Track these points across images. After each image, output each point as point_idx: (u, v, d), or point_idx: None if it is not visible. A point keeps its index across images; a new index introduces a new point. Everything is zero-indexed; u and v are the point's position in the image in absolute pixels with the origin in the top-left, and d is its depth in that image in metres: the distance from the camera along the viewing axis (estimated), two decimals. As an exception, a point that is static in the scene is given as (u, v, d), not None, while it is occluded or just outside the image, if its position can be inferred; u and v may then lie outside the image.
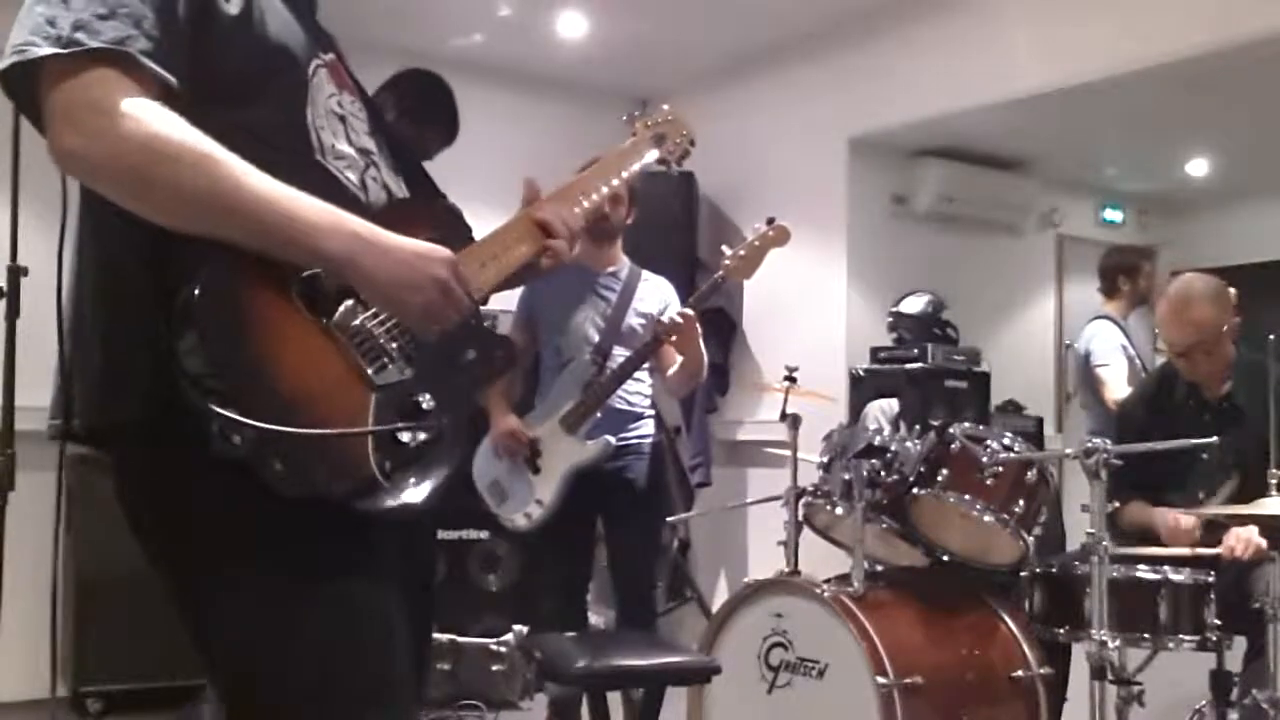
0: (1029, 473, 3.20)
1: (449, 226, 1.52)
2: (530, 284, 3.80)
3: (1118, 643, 2.82)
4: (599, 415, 3.63)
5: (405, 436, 1.34)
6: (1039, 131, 5.27)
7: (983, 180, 5.59)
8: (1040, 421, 5.31)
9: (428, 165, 3.37)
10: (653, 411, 3.87)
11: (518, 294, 3.87)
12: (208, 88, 1.31)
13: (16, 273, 2.55)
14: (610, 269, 3.81)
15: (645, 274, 3.85)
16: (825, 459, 3.41)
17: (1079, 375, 5.20)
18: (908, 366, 4.77)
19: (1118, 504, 3.25)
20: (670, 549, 5.33)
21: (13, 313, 2.52)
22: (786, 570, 3.41)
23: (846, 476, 3.26)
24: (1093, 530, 2.80)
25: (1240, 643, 3.06)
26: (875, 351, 4.96)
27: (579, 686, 3.23)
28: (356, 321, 1.35)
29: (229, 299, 1.27)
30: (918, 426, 3.39)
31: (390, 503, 1.33)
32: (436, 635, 4.33)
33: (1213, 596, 2.97)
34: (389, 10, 4.97)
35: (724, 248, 3.65)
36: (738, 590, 3.49)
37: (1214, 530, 3.16)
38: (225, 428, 1.21)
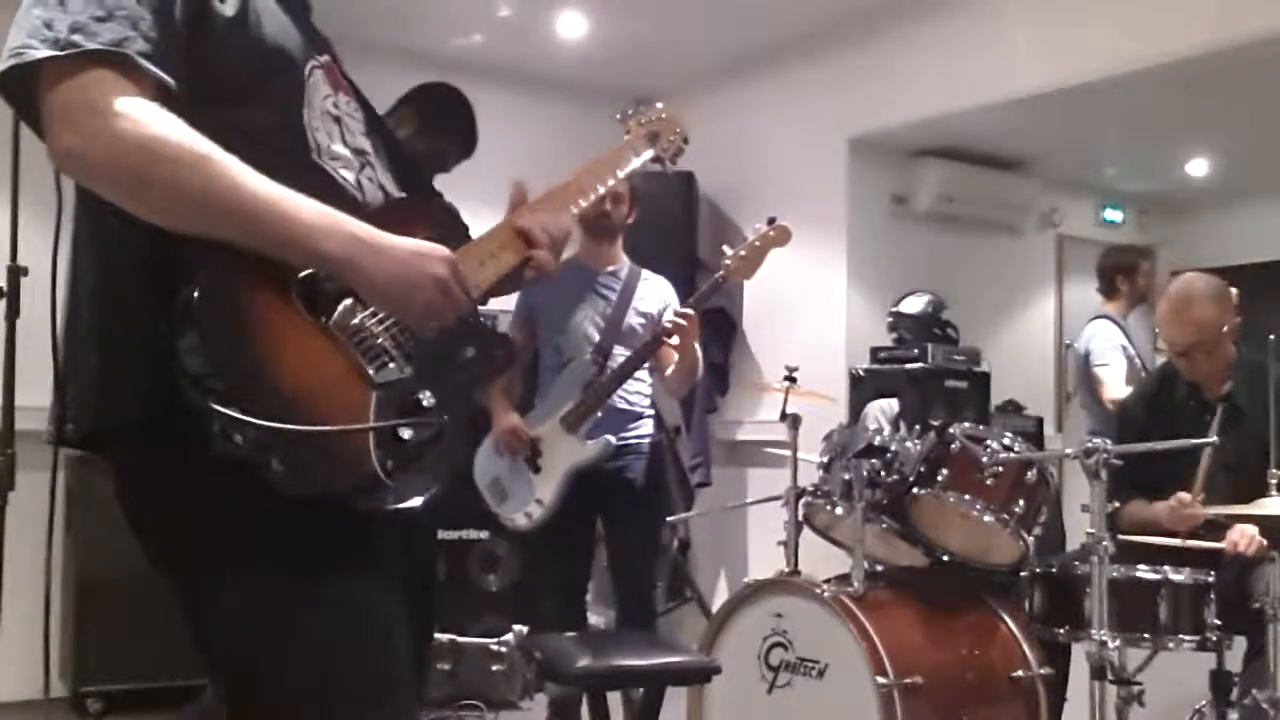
0: (1029, 473, 3.20)
1: (446, 225, 1.53)
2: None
3: (1118, 643, 2.81)
4: (599, 415, 3.63)
5: (406, 434, 1.34)
6: (1039, 131, 5.27)
7: (983, 180, 5.59)
8: (1040, 421, 5.31)
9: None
10: (653, 411, 3.88)
11: (516, 292, 3.87)
12: (205, 89, 1.31)
13: (16, 273, 2.55)
14: (610, 268, 3.81)
15: (645, 273, 3.86)
16: (825, 459, 3.41)
17: (1078, 375, 5.20)
18: (908, 366, 4.77)
19: (1118, 504, 3.25)
20: (670, 549, 5.33)
21: (13, 313, 2.52)
22: (786, 570, 3.41)
23: (846, 476, 3.26)
24: (1093, 530, 2.80)
25: (1240, 643, 3.06)
26: (875, 351, 4.96)
27: (579, 686, 3.23)
28: (355, 320, 1.35)
29: (229, 299, 1.27)
30: (918, 426, 3.39)
31: (392, 501, 1.33)
32: (436, 635, 4.33)
33: (1213, 596, 2.97)
34: (389, 10, 4.97)
35: (725, 247, 3.65)
36: (738, 590, 3.49)
37: (1214, 530, 3.16)
38: (227, 427, 1.21)
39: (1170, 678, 3.12)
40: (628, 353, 3.66)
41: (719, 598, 5.40)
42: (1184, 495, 3.21)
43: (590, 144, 1.88)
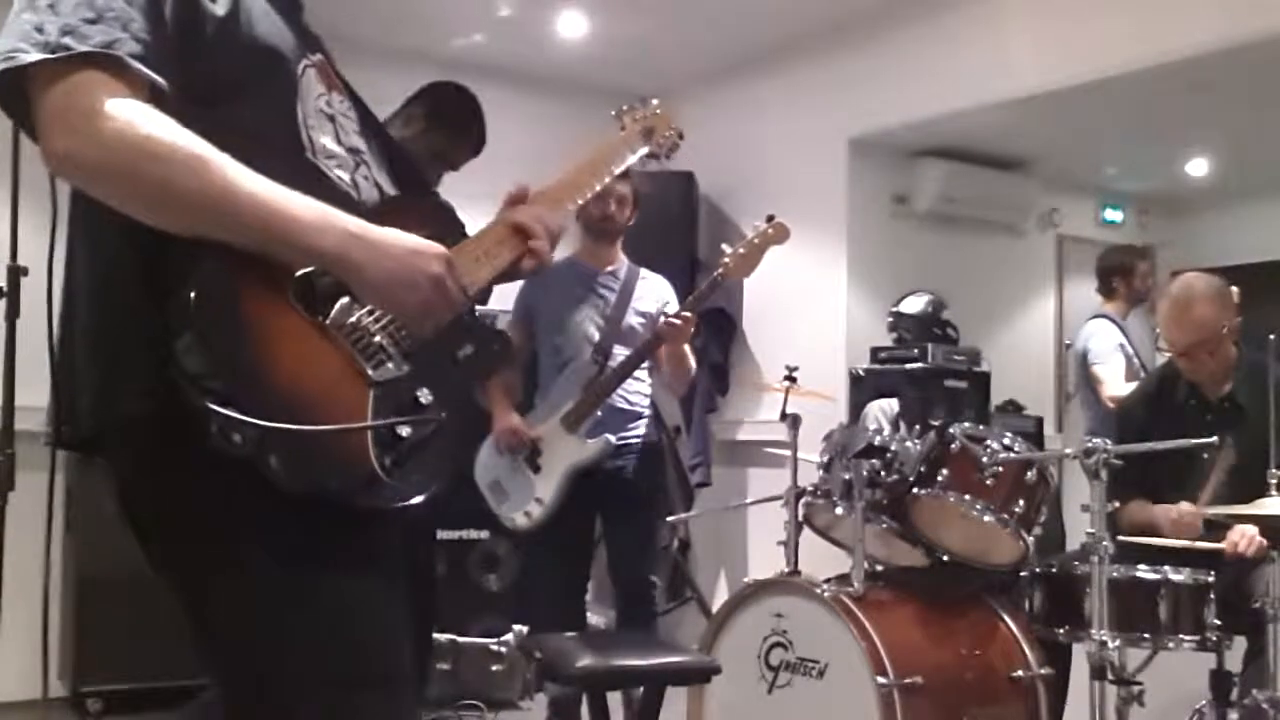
0: (1029, 473, 3.20)
1: (441, 223, 1.53)
2: (528, 282, 3.83)
3: (1118, 643, 2.82)
4: (599, 414, 3.63)
5: (405, 432, 1.35)
6: (1039, 131, 5.27)
7: (983, 180, 5.59)
8: (1040, 421, 5.30)
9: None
10: (652, 411, 3.88)
11: (514, 292, 3.88)
12: (197, 89, 1.31)
13: (16, 273, 2.55)
14: (609, 268, 3.81)
15: (643, 272, 3.86)
16: (825, 459, 3.41)
17: (1077, 374, 5.20)
18: (908, 366, 4.77)
19: (1118, 504, 3.25)
20: (670, 549, 5.33)
21: (13, 313, 2.52)
22: (786, 570, 3.41)
23: (846, 476, 3.26)
24: (1093, 530, 2.80)
25: (1240, 643, 3.06)
26: (875, 351, 4.95)
27: (579, 686, 3.23)
28: (352, 319, 1.35)
29: (225, 299, 1.27)
30: (918, 426, 3.38)
31: (391, 498, 1.33)
32: (436, 635, 4.33)
33: (1213, 596, 2.97)
34: (390, 10, 4.97)
35: (724, 245, 3.65)
36: (738, 590, 3.49)
37: (1215, 530, 3.16)
38: (225, 427, 1.21)
39: (1170, 678, 3.12)
40: (628, 352, 3.66)
41: (719, 598, 5.40)
42: (1186, 506, 3.21)
43: (591, 143, 1.88)
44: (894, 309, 5.03)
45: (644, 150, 1.89)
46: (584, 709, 3.15)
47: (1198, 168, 6.19)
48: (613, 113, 1.93)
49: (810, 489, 3.45)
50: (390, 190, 1.54)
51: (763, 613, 3.33)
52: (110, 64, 1.23)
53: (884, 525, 3.32)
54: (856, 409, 4.77)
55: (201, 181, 1.24)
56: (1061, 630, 3.10)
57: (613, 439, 3.64)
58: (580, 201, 1.73)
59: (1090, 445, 2.84)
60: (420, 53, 5.17)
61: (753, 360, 5.59)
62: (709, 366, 5.55)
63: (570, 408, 3.64)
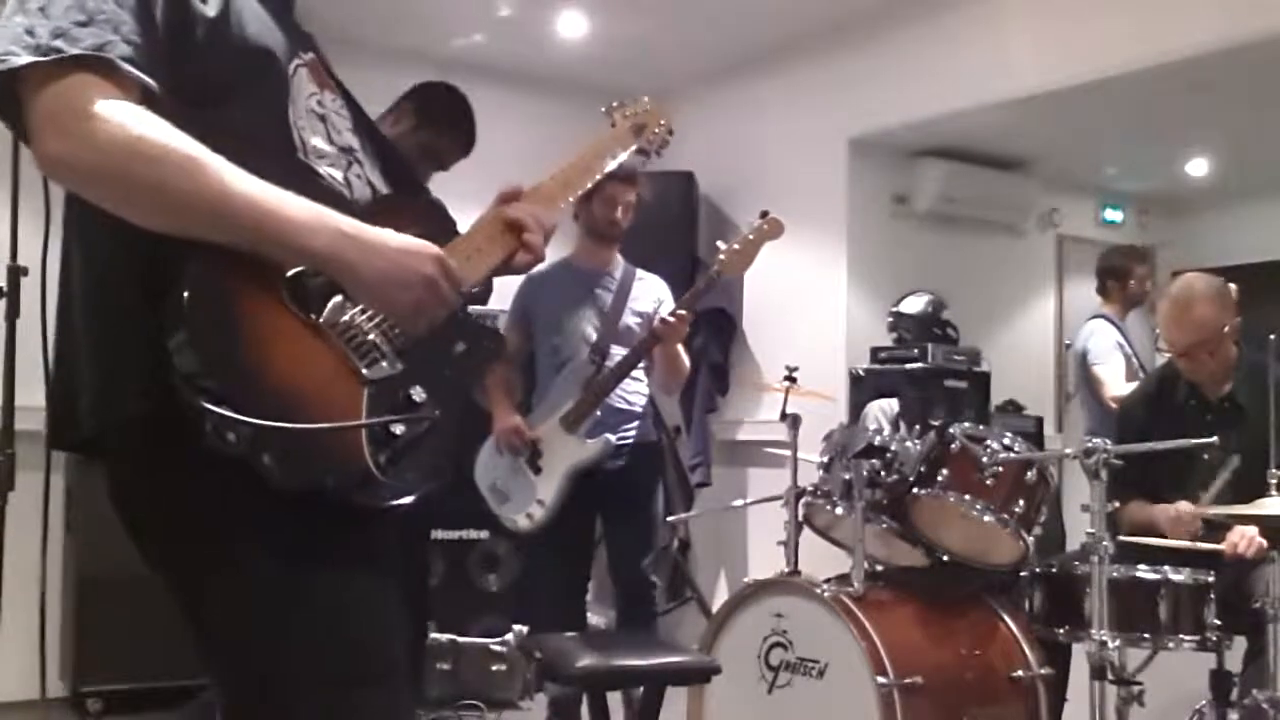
0: (1029, 473, 3.20)
1: (433, 221, 1.53)
2: (525, 284, 3.84)
3: (1118, 643, 2.82)
4: (598, 414, 3.63)
5: (398, 429, 1.35)
6: (1039, 131, 5.27)
7: (983, 180, 5.59)
8: (1040, 421, 5.31)
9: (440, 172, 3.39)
10: (652, 410, 3.87)
11: (512, 293, 3.89)
12: (189, 90, 1.31)
13: (16, 273, 2.55)
14: (606, 269, 3.82)
15: (640, 272, 3.87)
16: (825, 459, 3.41)
17: (1077, 374, 5.20)
18: (908, 366, 4.77)
19: (1117, 504, 3.25)
20: (670, 549, 5.32)
21: (13, 313, 2.52)
22: (786, 570, 3.41)
23: (846, 476, 3.26)
24: (1093, 530, 2.80)
25: (1240, 643, 3.06)
26: (875, 351, 4.95)
27: (579, 686, 3.23)
28: (345, 317, 1.35)
29: (219, 298, 1.27)
30: (918, 426, 3.39)
31: (386, 496, 1.34)
32: (436, 635, 4.33)
33: (1213, 596, 2.97)
34: (389, 10, 4.97)
35: (718, 243, 3.65)
36: (738, 590, 3.49)
37: (1215, 530, 3.16)
38: (219, 425, 1.22)
39: (1170, 678, 3.12)
40: (625, 352, 3.66)
41: (719, 598, 5.40)
42: (1185, 506, 3.21)
43: (585, 142, 1.88)
44: (894, 309, 5.03)
45: (635, 147, 1.88)
46: (584, 709, 3.15)
47: (1198, 168, 6.19)
48: (603, 109, 1.93)
49: (810, 489, 3.45)
50: (383, 189, 1.54)
51: (763, 613, 3.33)
52: (102, 66, 1.23)
53: (884, 525, 3.32)
54: (856, 409, 4.77)
55: (195, 183, 1.24)
56: (1061, 630, 3.10)
57: (612, 439, 3.64)
58: (572, 199, 1.72)
59: (1090, 445, 2.84)
60: (420, 53, 5.17)
61: (753, 360, 5.60)
62: (709, 366, 5.55)
63: (569, 408, 3.64)
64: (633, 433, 3.73)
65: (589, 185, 1.78)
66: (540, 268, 3.83)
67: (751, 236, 3.60)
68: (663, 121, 1.92)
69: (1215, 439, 3.01)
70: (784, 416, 3.62)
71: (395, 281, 1.35)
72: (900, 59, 4.94)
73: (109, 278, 1.33)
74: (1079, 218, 6.39)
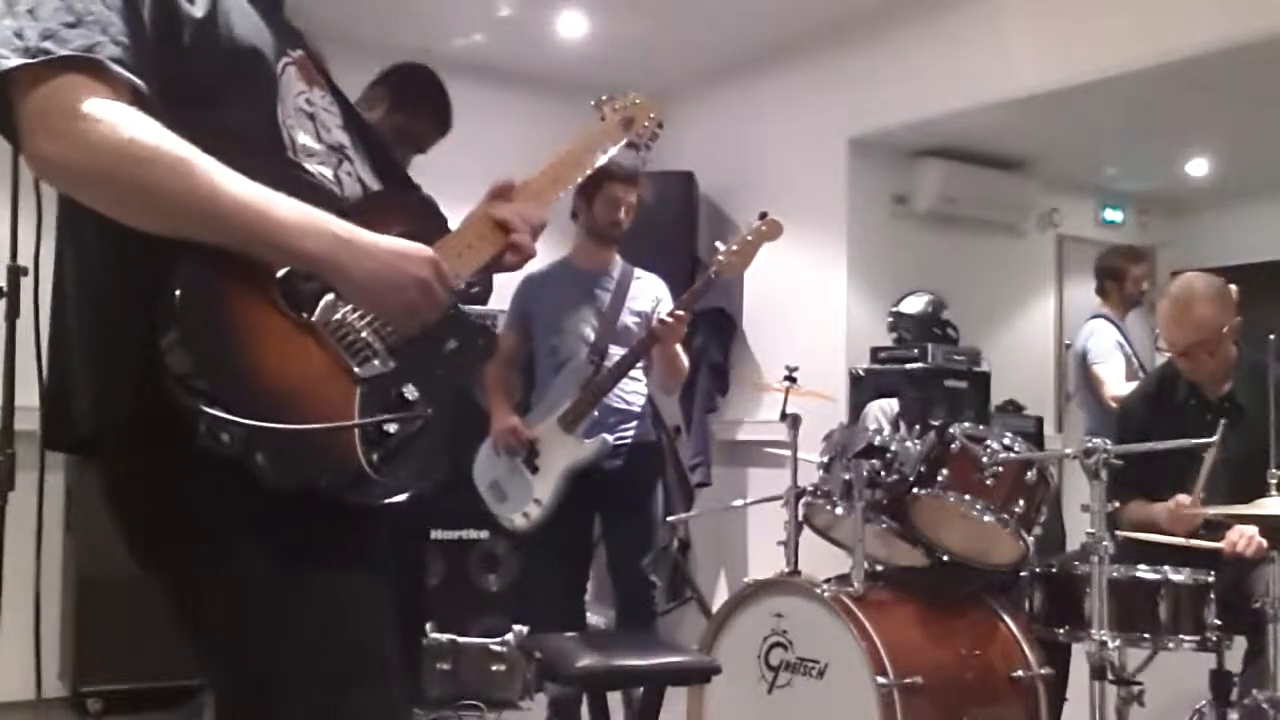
0: (1029, 473, 3.20)
1: (424, 218, 1.53)
2: (524, 285, 3.84)
3: (1118, 643, 2.82)
4: (596, 414, 3.63)
5: (392, 428, 1.35)
6: (1039, 131, 5.27)
7: (983, 180, 5.59)
8: (1040, 421, 5.31)
9: (425, 159, 3.36)
10: (651, 410, 3.87)
11: (511, 294, 3.89)
12: (177, 91, 1.31)
13: (16, 273, 2.55)
14: (604, 269, 3.82)
15: (638, 272, 3.87)
16: (825, 459, 3.41)
17: (1076, 374, 5.20)
18: (908, 366, 4.77)
19: (1117, 504, 3.25)
20: (670, 549, 5.32)
21: (13, 313, 2.52)
22: (786, 570, 3.41)
23: (846, 476, 3.26)
24: (1093, 530, 2.80)
25: (1240, 643, 3.06)
26: (875, 351, 4.96)
27: (579, 686, 3.23)
28: (337, 316, 1.36)
29: (210, 298, 1.27)
30: (918, 426, 3.39)
31: (380, 494, 1.34)
32: (436, 635, 4.33)
33: (1213, 596, 2.97)
34: (389, 10, 4.97)
35: (717, 243, 3.65)
36: (738, 590, 3.49)
37: (1214, 530, 3.16)
38: (212, 426, 1.22)
39: (1170, 678, 3.12)
40: (624, 352, 3.66)
41: (719, 598, 5.40)
42: (1183, 498, 3.20)
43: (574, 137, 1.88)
44: (894, 309, 5.03)
45: (624, 141, 1.88)
46: (584, 709, 3.15)
47: (1198, 168, 6.19)
48: (592, 103, 1.93)
49: (810, 489, 3.45)
50: (374, 185, 1.54)
51: (763, 613, 3.33)
52: (91, 67, 1.23)
53: (884, 525, 3.32)
54: (856, 409, 4.77)
55: (186, 184, 1.24)
56: (1061, 630, 3.10)
57: (610, 439, 3.64)
58: (562, 194, 1.72)
59: (1090, 445, 2.84)
60: (420, 53, 5.12)
61: (753, 360, 5.59)
62: (709, 366, 5.55)
63: (567, 408, 3.64)
64: (631, 432, 3.73)
65: (578, 180, 1.77)
66: (539, 268, 3.87)
67: (750, 237, 3.60)
68: (652, 115, 1.91)
69: (1216, 439, 3.01)
70: (784, 416, 3.62)
71: (388, 284, 1.35)
72: (900, 59, 4.94)
73: (101, 278, 1.33)
74: (1079, 218, 6.39)
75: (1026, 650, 3.22)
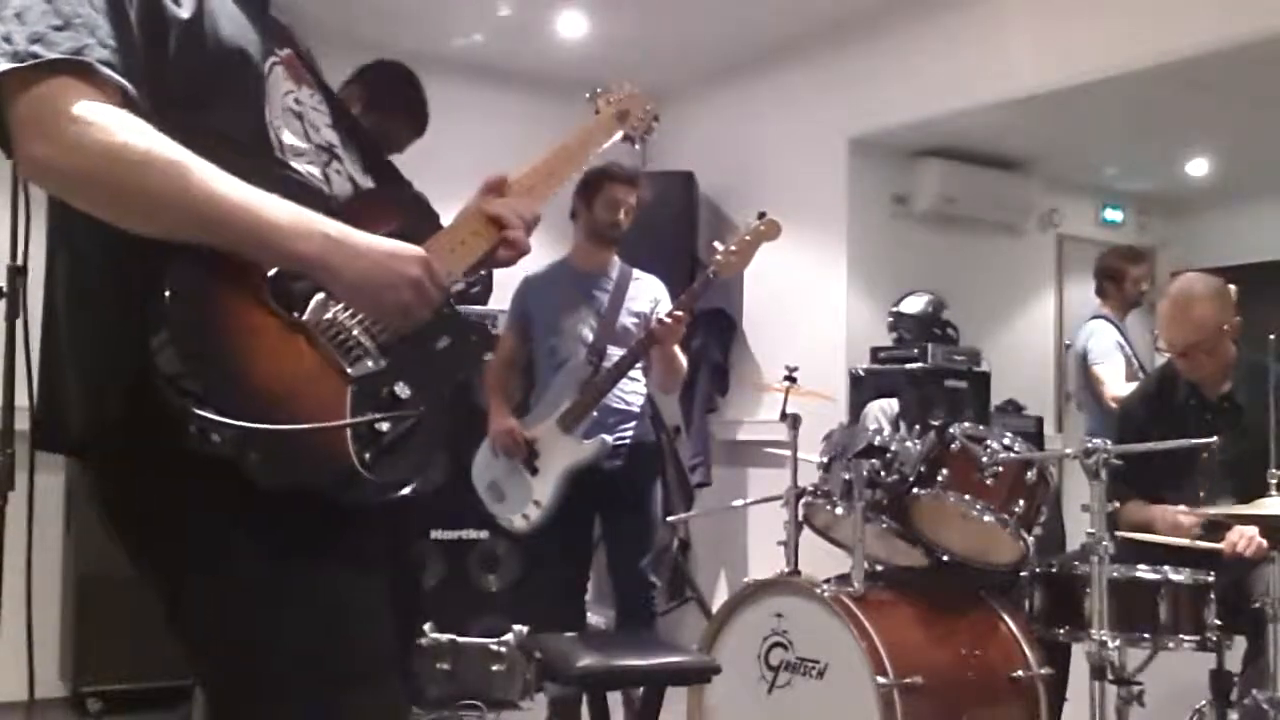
0: (1029, 473, 3.20)
1: (416, 215, 1.53)
2: (523, 286, 3.84)
3: (1118, 643, 2.82)
4: (595, 414, 3.63)
5: (384, 426, 1.35)
6: (1039, 131, 5.27)
7: (983, 180, 5.59)
8: (1040, 421, 5.30)
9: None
10: (651, 410, 3.87)
11: (510, 296, 3.89)
12: (166, 92, 1.31)
13: (16, 273, 2.54)
14: (603, 270, 3.82)
15: (636, 272, 3.87)
16: (825, 459, 3.41)
17: (1076, 375, 5.20)
18: (908, 366, 4.77)
19: (1117, 504, 3.25)
20: (670, 549, 5.32)
21: (13, 313, 2.52)
22: (786, 570, 3.42)
23: (846, 476, 3.26)
24: (1093, 530, 2.80)
25: (1240, 643, 3.06)
26: (875, 351, 4.95)
27: (579, 686, 3.23)
28: (329, 315, 1.36)
29: (201, 298, 1.27)
30: (918, 426, 3.39)
31: (373, 493, 1.34)
32: (436, 635, 4.33)
33: (1213, 596, 2.97)
34: (390, 10, 4.97)
35: (715, 244, 3.66)
36: (738, 590, 3.49)
37: (1214, 530, 3.16)
38: (203, 427, 1.22)
39: (1170, 678, 3.12)
40: (622, 352, 3.66)
41: (719, 598, 5.40)
42: (1184, 518, 3.21)
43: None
44: (894, 309, 5.03)
45: (619, 134, 1.88)
46: (584, 709, 3.15)
47: (1198, 168, 6.18)
48: (587, 96, 1.92)
49: (810, 489, 3.45)
50: (364, 184, 1.53)
51: (763, 613, 3.33)
52: (80, 70, 1.23)
53: (884, 525, 3.32)
54: (856, 409, 4.77)
55: (178, 186, 1.24)
56: (1061, 630, 3.10)
57: (609, 439, 3.64)
58: (556, 189, 1.71)
59: (1090, 445, 2.84)
60: (420, 53, 5.16)
61: (753, 360, 5.59)
62: (709, 366, 5.55)
63: (566, 408, 3.64)
64: (630, 433, 3.73)
65: (574, 175, 1.77)
66: (538, 269, 3.87)
67: (749, 237, 3.60)
68: (648, 107, 1.91)
69: (1216, 439, 3.01)
70: (784, 416, 3.62)
71: (380, 283, 1.35)
72: (900, 59, 4.94)
73: (92, 280, 1.33)
74: (1079, 218, 6.39)
75: (1026, 650, 3.22)
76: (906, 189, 5.45)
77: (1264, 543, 2.95)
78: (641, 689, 3.08)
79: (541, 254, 3.97)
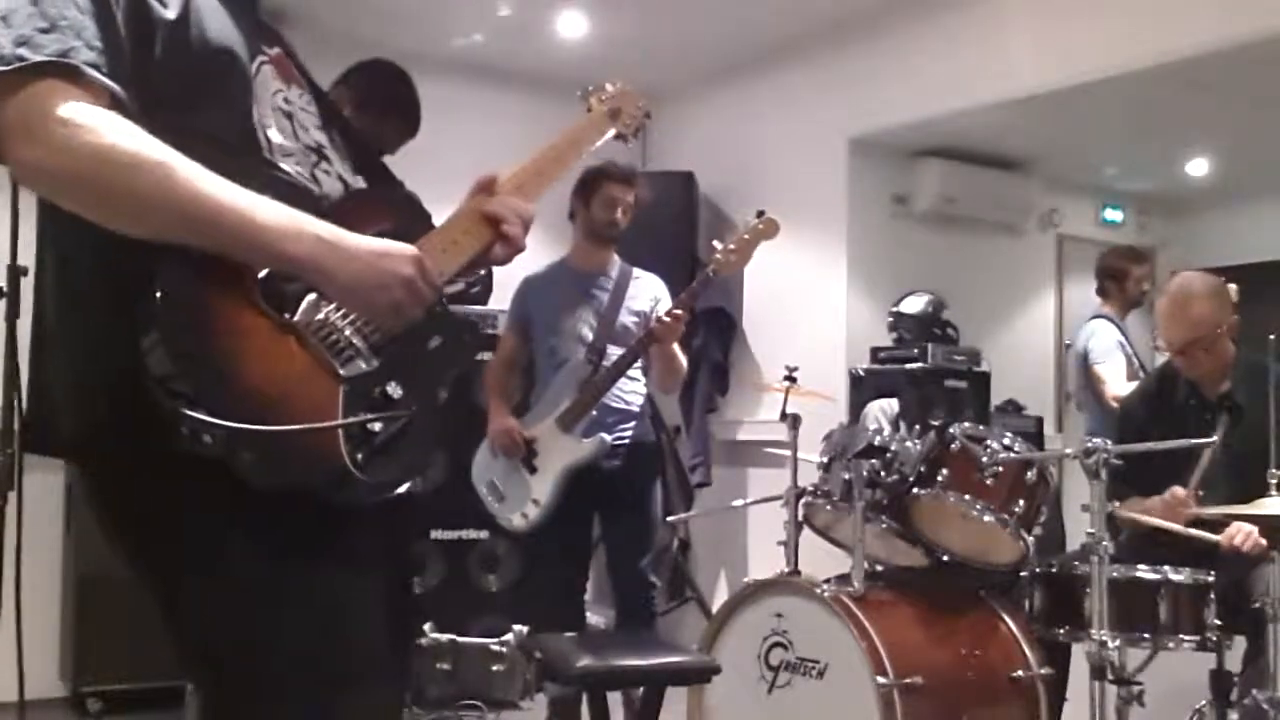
0: (1029, 473, 3.20)
1: (408, 215, 1.53)
2: (522, 287, 3.84)
3: (1118, 643, 2.81)
4: (594, 413, 3.63)
5: (376, 426, 1.35)
6: (1039, 131, 5.27)
7: (983, 180, 5.59)
8: (1040, 421, 5.30)
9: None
10: (651, 410, 3.87)
11: (511, 296, 3.89)
12: (153, 93, 1.31)
13: (16, 273, 2.55)
14: (602, 269, 3.82)
15: (636, 271, 3.87)
16: (825, 459, 3.41)
17: (1077, 374, 5.20)
18: (908, 366, 4.77)
19: (1117, 503, 3.25)
20: (670, 549, 5.32)
21: (13, 313, 2.52)
22: (786, 570, 3.41)
23: (846, 476, 3.26)
24: (1093, 530, 2.80)
25: (1240, 643, 3.06)
26: (875, 351, 4.95)
27: (579, 686, 3.23)
28: (320, 316, 1.36)
29: (191, 300, 1.27)
30: (918, 426, 3.39)
31: (366, 493, 1.34)
32: (436, 635, 4.33)
33: (1213, 596, 2.97)
34: (389, 11, 4.97)
35: (715, 243, 3.66)
36: (738, 590, 3.49)
37: (1214, 530, 3.16)
38: (194, 428, 1.22)
39: (1170, 678, 3.12)
40: (622, 351, 3.66)
41: (719, 598, 5.40)
42: (1179, 490, 3.21)
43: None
44: (894, 309, 5.03)
45: (611, 132, 1.88)
46: (584, 709, 3.15)
47: (1198, 168, 6.18)
48: (579, 94, 1.92)
49: (810, 489, 3.45)
50: (354, 183, 1.53)
51: (763, 613, 3.33)
52: (67, 73, 1.23)
53: (884, 525, 3.32)
54: (856, 409, 4.77)
55: (167, 188, 1.23)
56: (1061, 630, 3.10)
57: (608, 438, 3.64)
58: (547, 187, 1.71)
59: (1090, 445, 2.84)
60: (420, 53, 5.16)
61: (753, 360, 5.59)
62: (709, 366, 5.55)
63: (565, 408, 3.64)
64: (629, 432, 3.73)
65: (565, 173, 1.77)
66: (537, 270, 3.87)
67: (748, 236, 3.61)
68: (639, 104, 1.91)
69: (1215, 438, 3.01)
70: (784, 416, 3.62)
71: (373, 283, 1.35)
72: (900, 59, 4.93)
73: (81, 281, 1.33)
74: (1079, 218, 6.39)
75: (1026, 650, 3.22)
76: (906, 189, 5.45)
77: (1263, 541, 2.95)
78: (641, 689, 3.08)
79: (540, 254, 3.98)
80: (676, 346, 3.63)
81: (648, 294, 3.83)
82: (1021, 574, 3.25)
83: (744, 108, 5.67)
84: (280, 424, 1.26)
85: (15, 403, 2.52)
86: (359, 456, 1.32)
